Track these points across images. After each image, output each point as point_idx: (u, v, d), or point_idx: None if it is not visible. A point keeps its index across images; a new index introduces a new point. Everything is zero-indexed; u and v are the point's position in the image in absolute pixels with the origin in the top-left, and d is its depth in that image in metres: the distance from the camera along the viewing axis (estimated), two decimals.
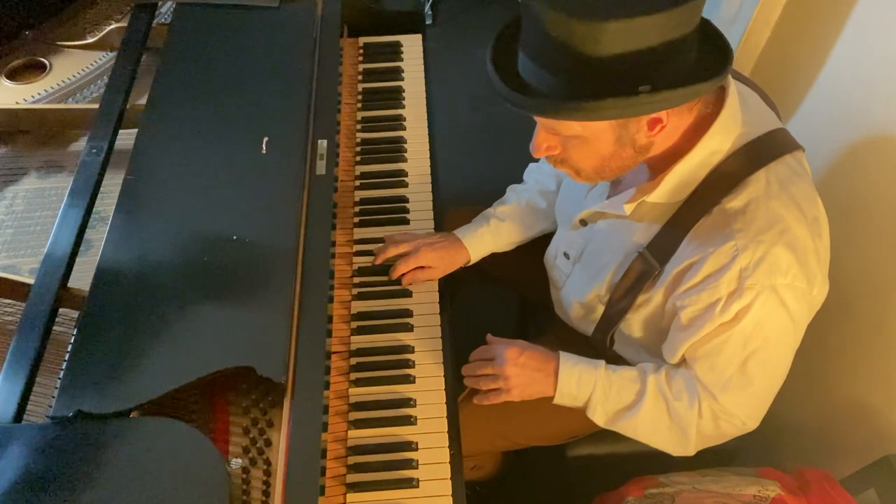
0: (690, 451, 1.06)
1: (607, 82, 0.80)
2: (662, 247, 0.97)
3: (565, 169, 0.97)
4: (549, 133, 0.93)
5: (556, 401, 1.07)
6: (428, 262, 1.18)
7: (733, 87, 0.94)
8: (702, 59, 0.86)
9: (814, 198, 0.97)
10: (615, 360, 1.14)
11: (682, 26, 0.80)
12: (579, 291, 1.15)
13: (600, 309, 1.11)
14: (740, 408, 1.00)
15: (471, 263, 1.26)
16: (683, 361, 1.03)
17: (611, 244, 1.06)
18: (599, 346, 1.17)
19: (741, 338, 0.94)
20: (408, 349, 1.11)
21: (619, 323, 1.09)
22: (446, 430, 1.04)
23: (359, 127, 1.37)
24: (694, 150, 0.92)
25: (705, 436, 1.03)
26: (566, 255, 1.17)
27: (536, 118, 0.91)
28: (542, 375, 1.06)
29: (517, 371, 1.06)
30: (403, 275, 1.18)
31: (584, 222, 1.12)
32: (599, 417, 1.06)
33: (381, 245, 1.21)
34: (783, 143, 0.97)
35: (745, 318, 0.92)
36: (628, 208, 1.00)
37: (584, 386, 1.05)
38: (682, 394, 1.02)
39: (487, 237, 1.26)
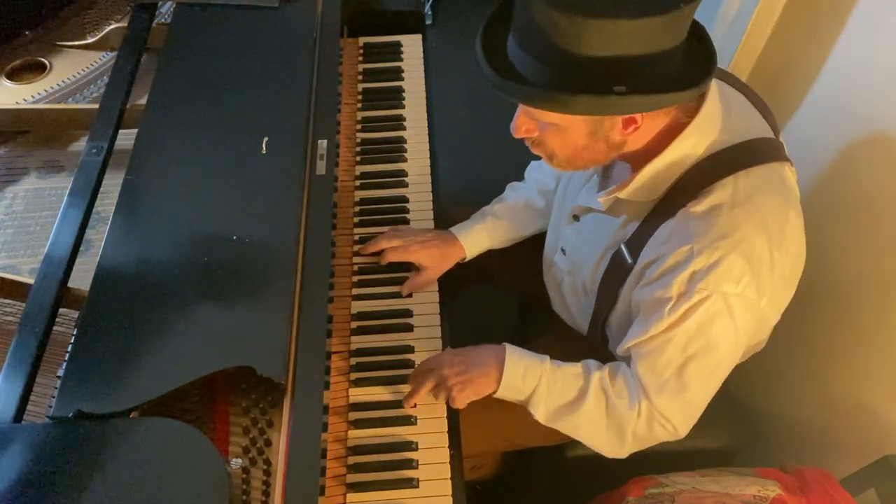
0: (625, 452, 1.05)
1: (584, 79, 0.81)
2: (637, 244, 0.99)
3: (540, 152, 0.99)
4: (528, 116, 0.94)
5: (500, 394, 1.05)
6: (418, 258, 1.19)
7: (714, 92, 0.94)
8: (685, 66, 0.86)
9: (784, 211, 0.94)
10: (611, 358, 1.14)
11: (665, 38, 0.81)
12: (573, 286, 1.17)
13: (590, 304, 1.12)
14: (673, 413, 1.00)
15: (466, 260, 1.26)
16: (628, 356, 1.03)
17: (595, 238, 1.08)
18: (595, 344, 1.17)
19: (684, 338, 0.94)
20: (408, 349, 1.11)
21: (608, 319, 1.10)
22: (446, 430, 1.05)
23: (359, 127, 1.37)
24: (666, 152, 0.93)
25: (639, 438, 1.03)
26: (563, 252, 1.19)
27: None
28: (481, 370, 1.04)
29: (454, 372, 1.03)
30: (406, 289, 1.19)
31: (576, 217, 1.14)
32: (541, 413, 1.04)
33: (374, 239, 1.21)
34: (762, 152, 0.96)
35: (690, 318, 0.92)
36: (604, 202, 1.03)
37: (529, 379, 1.03)
38: (624, 392, 1.02)
39: (483, 233, 1.26)
